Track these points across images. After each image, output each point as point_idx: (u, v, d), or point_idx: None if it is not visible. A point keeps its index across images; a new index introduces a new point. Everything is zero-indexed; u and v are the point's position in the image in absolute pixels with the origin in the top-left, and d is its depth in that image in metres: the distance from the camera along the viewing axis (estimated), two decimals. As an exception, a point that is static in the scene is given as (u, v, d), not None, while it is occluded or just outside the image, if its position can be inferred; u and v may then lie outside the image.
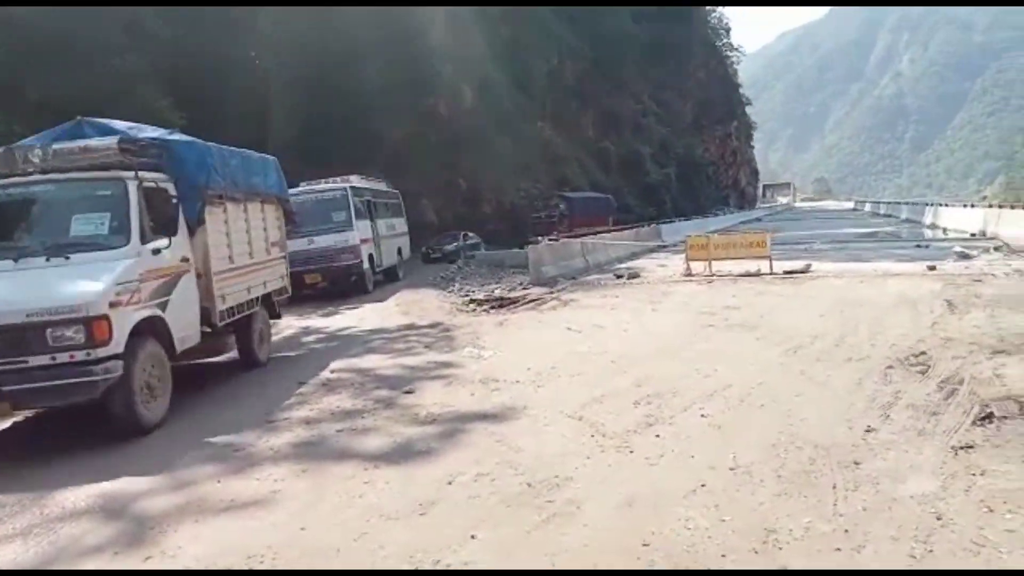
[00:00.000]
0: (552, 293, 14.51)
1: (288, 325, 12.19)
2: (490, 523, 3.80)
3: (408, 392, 6.84)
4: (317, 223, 15.68)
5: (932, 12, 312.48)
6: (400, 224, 21.44)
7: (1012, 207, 22.76)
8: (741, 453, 4.61)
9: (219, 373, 8.55)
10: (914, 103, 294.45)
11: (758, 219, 54.81)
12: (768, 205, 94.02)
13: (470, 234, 27.20)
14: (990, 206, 25.49)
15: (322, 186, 17.15)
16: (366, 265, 16.64)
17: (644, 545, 3.44)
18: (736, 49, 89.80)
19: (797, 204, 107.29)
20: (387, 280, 18.59)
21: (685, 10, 66.52)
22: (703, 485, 4.14)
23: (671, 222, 35.59)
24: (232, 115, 21.36)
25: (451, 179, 34.97)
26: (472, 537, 3.64)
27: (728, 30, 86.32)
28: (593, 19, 50.45)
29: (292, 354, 9.59)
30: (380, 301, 14.81)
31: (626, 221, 35.26)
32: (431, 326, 10.98)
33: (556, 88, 45.17)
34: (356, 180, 17.92)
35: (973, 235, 22.81)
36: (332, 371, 8.05)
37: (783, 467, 4.35)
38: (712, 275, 15.36)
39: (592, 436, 5.18)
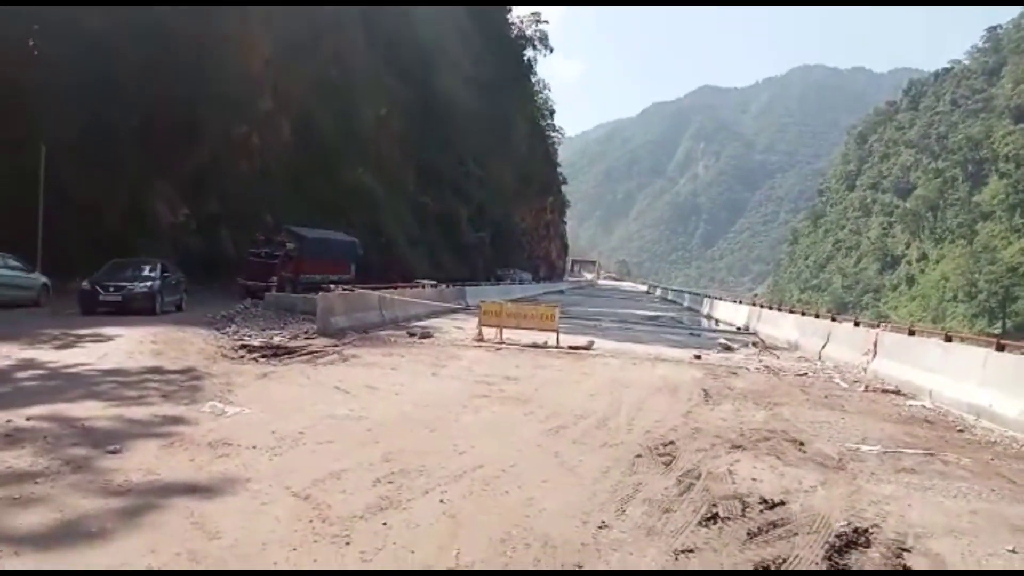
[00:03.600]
0: (336, 346, 13.71)
1: (6, 355, 10.26)
2: (128, 643, 3.03)
3: (113, 452, 5.75)
4: None
5: (724, 128, 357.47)
6: None
7: (769, 307, 25.60)
8: (466, 549, 4.22)
9: None
10: (706, 204, 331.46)
11: (561, 291, 57.54)
12: (575, 279, 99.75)
13: (168, 267, 18.74)
14: (753, 304, 28.56)
15: None
16: None
17: (314, 674, 2.87)
18: (557, 130, 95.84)
19: (600, 281, 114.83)
20: None
21: (516, 85, 70.04)
22: (411, 590, 3.67)
23: (477, 285, 36.08)
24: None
25: (258, 212, 33.01)
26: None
27: (552, 112, 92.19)
28: (426, 76, 51.24)
29: (-9, 392, 7.92)
30: (137, 335, 13.05)
31: (437, 279, 35.13)
32: (181, 371, 9.72)
33: (381, 137, 44.88)
34: None
35: (739, 329, 25.32)
36: (29, 418, 6.65)
37: (505, 568, 4.01)
38: (502, 343, 15.42)
39: (311, 521, 4.53)
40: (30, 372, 9.24)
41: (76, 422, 6.67)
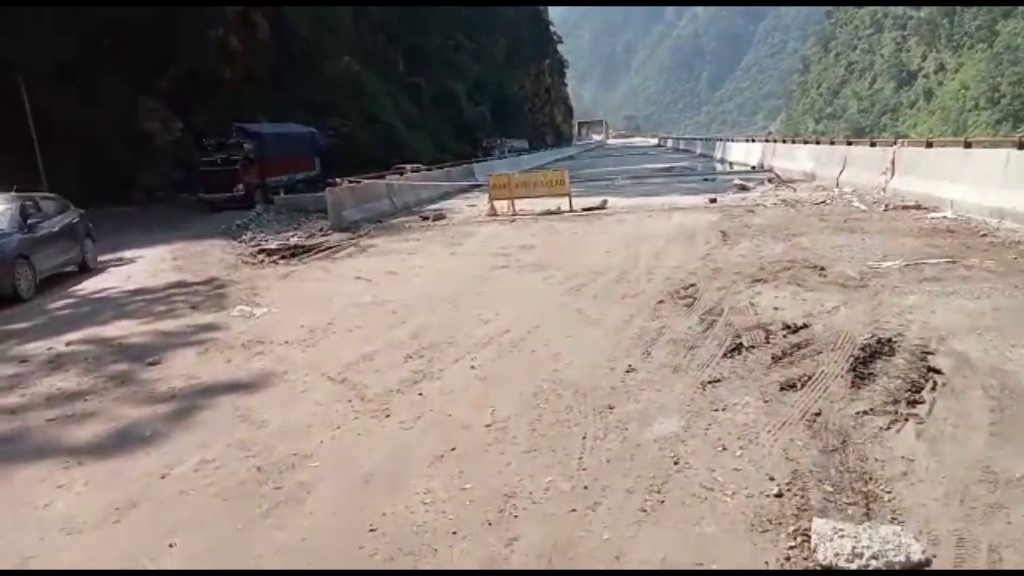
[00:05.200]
0: (352, 239, 13.76)
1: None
2: (195, 524, 3.24)
3: (152, 363, 5.96)
4: None
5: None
6: None
7: (783, 141, 24.94)
8: (501, 407, 4.39)
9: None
10: (708, 44, 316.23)
11: (571, 156, 56.44)
12: (583, 142, 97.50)
13: (31, 206, 10.70)
14: (766, 141, 27.83)
15: None
16: None
17: (371, 530, 3.07)
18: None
19: (610, 141, 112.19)
20: None
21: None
22: (453, 449, 3.85)
23: (484, 160, 35.52)
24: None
25: (248, 118, 32.29)
26: (169, 546, 3.07)
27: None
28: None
29: (26, 325, 8.13)
30: (157, 254, 13.21)
31: (442, 160, 34.58)
32: (205, 282, 9.87)
33: (361, 23, 42.89)
34: None
35: (753, 168, 24.80)
36: (68, 343, 6.88)
37: (539, 419, 4.17)
38: (515, 214, 15.33)
39: (350, 401, 4.72)
40: (61, 302, 9.47)
41: (113, 341, 6.88)
